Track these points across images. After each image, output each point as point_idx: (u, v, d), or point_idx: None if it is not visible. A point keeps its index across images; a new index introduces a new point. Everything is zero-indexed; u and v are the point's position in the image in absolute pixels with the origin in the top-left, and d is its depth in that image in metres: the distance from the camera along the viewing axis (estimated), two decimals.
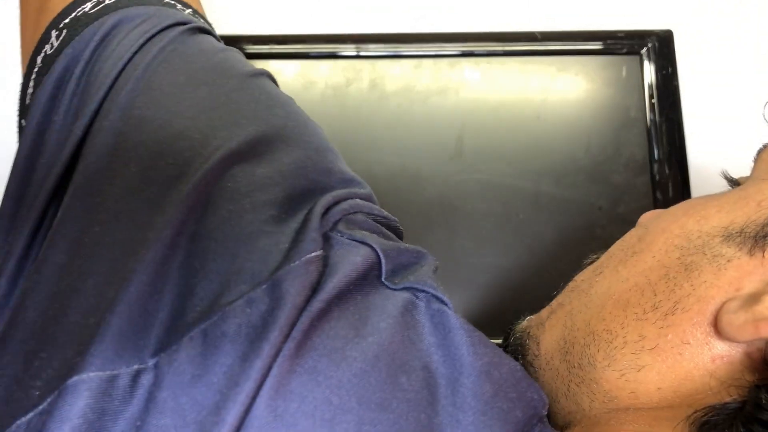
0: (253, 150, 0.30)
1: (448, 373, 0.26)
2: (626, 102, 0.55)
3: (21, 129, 0.37)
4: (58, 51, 0.33)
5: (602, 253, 0.38)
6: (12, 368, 0.25)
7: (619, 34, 0.56)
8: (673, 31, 0.56)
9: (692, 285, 0.30)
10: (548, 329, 0.36)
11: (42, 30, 0.35)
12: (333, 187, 0.31)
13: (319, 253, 0.26)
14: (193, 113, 0.30)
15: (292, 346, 0.24)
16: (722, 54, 0.61)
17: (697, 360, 0.29)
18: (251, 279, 0.25)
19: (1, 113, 0.62)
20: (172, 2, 0.37)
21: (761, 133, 0.59)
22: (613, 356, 0.31)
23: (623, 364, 0.31)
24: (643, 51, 0.56)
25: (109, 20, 0.33)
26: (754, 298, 0.28)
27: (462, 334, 0.27)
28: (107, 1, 0.35)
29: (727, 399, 0.28)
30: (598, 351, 0.32)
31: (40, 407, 0.23)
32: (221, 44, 0.36)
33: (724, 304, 0.29)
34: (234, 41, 0.57)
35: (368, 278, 0.27)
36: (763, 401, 0.26)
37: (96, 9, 0.34)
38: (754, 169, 0.35)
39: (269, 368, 0.24)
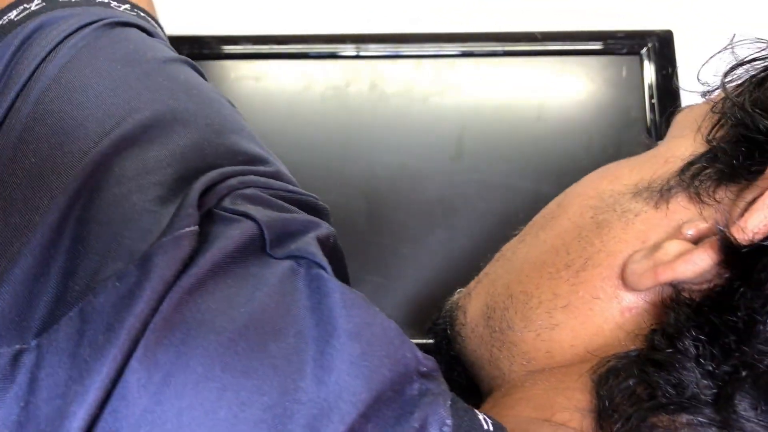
0: (146, 133, 0.30)
1: (319, 336, 0.26)
2: (626, 102, 0.55)
3: None
4: None
5: None
6: None
7: (619, 34, 0.56)
8: (673, 31, 0.56)
9: (602, 241, 0.31)
10: (474, 298, 0.38)
11: None
12: (228, 166, 0.31)
13: (193, 228, 0.27)
14: (94, 104, 0.31)
15: (159, 319, 0.24)
16: (722, 54, 0.61)
17: (607, 314, 0.30)
18: (128, 256, 0.26)
19: None
20: (106, 0, 0.37)
21: None
22: (529, 317, 0.32)
23: (538, 324, 0.32)
24: (643, 51, 0.56)
25: (31, 24, 0.34)
26: (655, 247, 0.29)
27: (337, 298, 0.27)
28: (32, 8, 0.35)
29: (632, 347, 0.28)
30: (516, 313, 0.33)
31: None
32: (142, 35, 0.37)
33: (630, 256, 0.30)
34: (233, 41, 0.57)
35: (249, 250, 0.28)
36: (656, 342, 0.27)
37: (21, 15, 0.35)
38: (668, 131, 0.36)
39: (136, 341, 0.24)
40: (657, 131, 0.53)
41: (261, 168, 0.34)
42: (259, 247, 0.28)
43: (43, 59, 0.32)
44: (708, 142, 0.31)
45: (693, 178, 0.30)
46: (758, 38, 0.35)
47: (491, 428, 0.27)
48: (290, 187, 0.34)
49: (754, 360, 0.25)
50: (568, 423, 0.28)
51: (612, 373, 0.28)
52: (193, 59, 0.56)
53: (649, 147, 0.38)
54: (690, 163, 0.31)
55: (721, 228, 0.27)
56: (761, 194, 0.27)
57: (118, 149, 0.29)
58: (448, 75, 0.56)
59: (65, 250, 0.27)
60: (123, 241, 0.26)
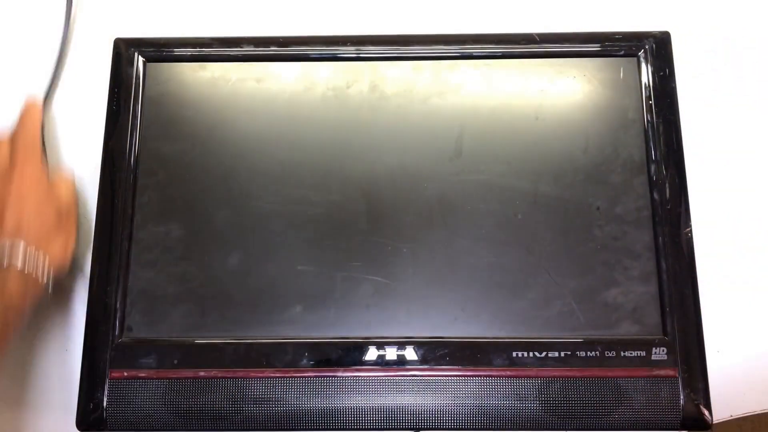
0: None
1: None
2: (624, 103, 0.55)
3: None
4: None
5: None
6: None
7: (617, 36, 0.57)
8: (670, 32, 0.57)
9: None
10: None
11: None
12: None
13: None
14: None
15: None
16: (719, 55, 0.62)
17: None
18: None
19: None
20: None
21: (758, 133, 0.60)
22: None
23: None
24: (641, 53, 0.56)
25: None
26: None
27: None
28: None
29: None
30: None
31: None
32: None
33: None
34: (235, 43, 0.57)
35: None
36: None
37: None
38: None
39: None
40: (654, 133, 0.54)
41: None
42: None
43: None
44: None
45: None
46: None
47: None
48: None
49: None
50: None
51: None
52: (194, 61, 0.57)
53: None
54: None
55: None
56: None
57: None
58: (448, 76, 0.56)
59: None
60: None
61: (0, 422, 0.56)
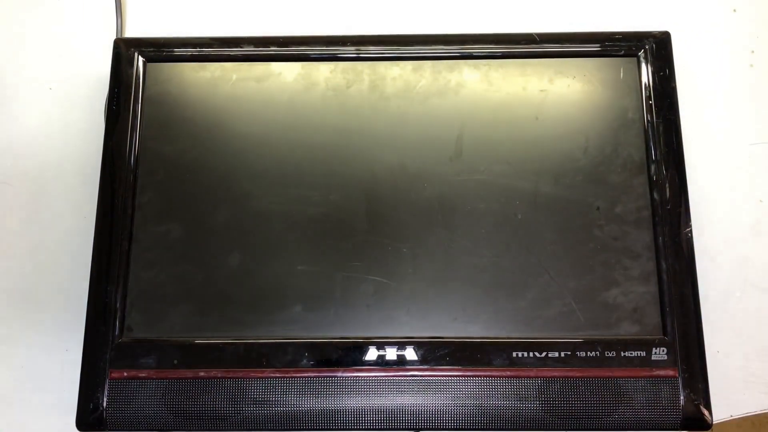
0: None
1: None
2: (624, 103, 0.55)
3: None
4: None
5: None
6: None
7: (617, 36, 0.57)
8: (670, 32, 0.57)
9: None
10: None
11: None
12: None
13: None
14: None
15: None
16: (719, 55, 0.62)
17: None
18: None
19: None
20: None
21: (756, 133, 0.60)
22: None
23: None
24: (641, 53, 0.56)
25: None
26: None
27: None
28: None
29: None
30: None
31: None
32: None
33: None
34: (235, 43, 0.57)
35: None
36: None
37: None
38: None
39: None
40: (654, 133, 0.54)
41: None
42: None
43: None
44: None
45: None
46: None
47: None
48: None
49: None
50: None
51: None
52: (194, 61, 0.57)
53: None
54: None
55: None
56: None
57: None
58: (448, 76, 0.56)
59: None
60: None
61: (0, 422, 0.56)
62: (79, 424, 0.50)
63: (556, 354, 0.50)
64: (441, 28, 0.62)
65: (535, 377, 0.49)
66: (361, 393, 0.50)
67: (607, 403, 0.49)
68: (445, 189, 0.54)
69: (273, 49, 0.57)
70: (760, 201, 0.58)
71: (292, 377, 0.50)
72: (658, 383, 0.49)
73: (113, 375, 0.50)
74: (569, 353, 0.50)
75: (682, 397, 0.49)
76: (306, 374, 0.50)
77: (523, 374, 0.49)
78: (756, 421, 0.56)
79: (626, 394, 0.49)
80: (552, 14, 0.64)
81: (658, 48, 0.56)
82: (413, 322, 0.51)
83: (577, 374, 0.49)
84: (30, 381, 0.57)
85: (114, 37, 0.63)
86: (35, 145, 0.61)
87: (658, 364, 0.50)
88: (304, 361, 0.50)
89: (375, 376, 0.50)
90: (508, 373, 0.49)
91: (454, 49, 0.57)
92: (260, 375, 0.50)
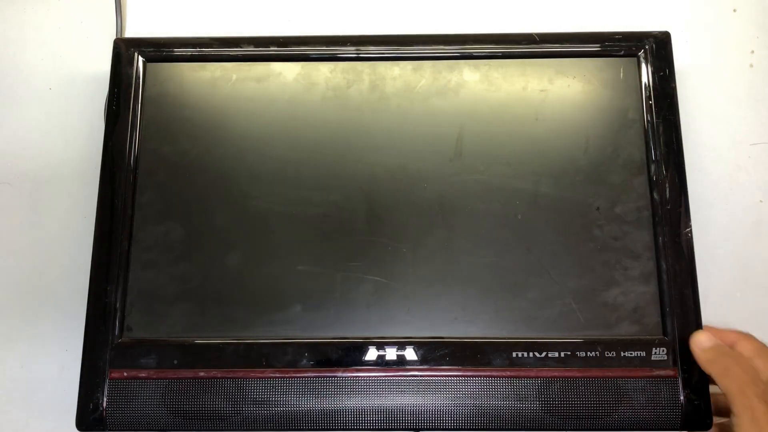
0: None
1: None
2: (624, 103, 0.55)
3: None
4: None
5: None
6: None
7: (617, 36, 0.57)
8: (670, 32, 0.57)
9: None
10: None
11: None
12: None
13: None
14: None
15: None
16: (719, 55, 0.62)
17: None
18: None
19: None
20: None
21: (756, 133, 0.59)
22: None
23: None
24: (641, 53, 0.56)
25: None
26: None
27: None
28: None
29: None
30: None
31: None
32: None
33: None
34: (235, 43, 0.57)
35: None
36: None
37: None
38: None
39: None
40: (654, 133, 0.54)
41: None
42: None
43: None
44: None
45: None
46: None
47: None
48: None
49: None
50: None
51: None
52: (194, 61, 0.57)
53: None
54: None
55: None
56: None
57: None
58: (448, 76, 0.56)
59: None
60: None
61: (1, 422, 0.56)
62: (79, 425, 0.50)
63: (556, 354, 0.50)
64: (441, 29, 0.62)
65: (535, 377, 0.49)
66: (361, 393, 0.50)
67: (607, 404, 0.49)
68: (445, 189, 0.54)
69: (273, 49, 0.57)
70: (761, 201, 0.58)
71: (291, 377, 0.50)
72: (657, 383, 0.49)
73: (113, 375, 0.50)
74: (569, 353, 0.50)
75: (682, 397, 0.49)
76: (306, 374, 0.50)
77: (523, 374, 0.50)
78: None
79: (626, 395, 0.49)
80: (552, 14, 0.64)
81: (658, 48, 0.56)
82: (413, 322, 0.51)
83: (577, 374, 0.49)
84: (29, 381, 0.57)
85: (114, 37, 0.63)
86: (35, 145, 0.61)
87: (658, 364, 0.50)
88: (304, 361, 0.50)
89: (375, 376, 0.50)
90: (508, 373, 0.50)
91: (454, 49, 0.57)
92: (260, 375, 0.50)
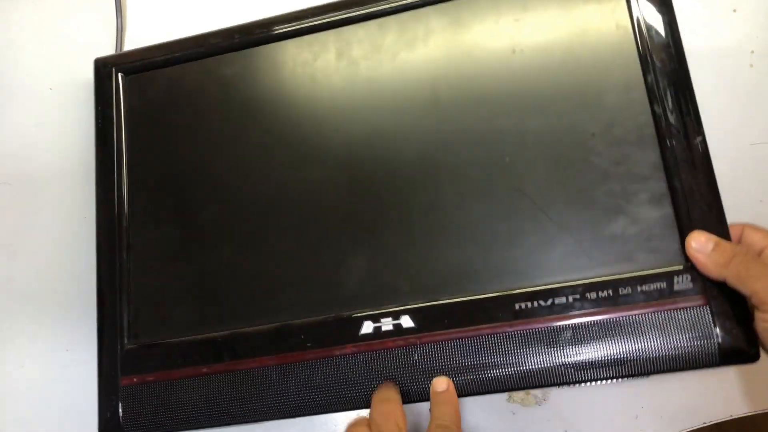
0: None
1: None
2: (608, 12, 0.49)
3: None
4: None
5: None
6: None
7: None
8: None
9: None
10: None
11: None
12: None
13: None
14: None
15: None
16: (719, 55, 0.56)
17: None
18: None
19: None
20: None
21: (756, 133, 0.53)
22: None
23: None
24: None
25: None
26: None
27: None
28: None
29: None
30: None
31: None
32: None
33: None
34: (202, 40, 0.57)
35: None
36: None
37: None
38: None
39: None
40: (647, 37, 0.48)
41: None
42: None
43: None
44: None
45: None
46: None
47: None
48: None
49: None
50: None
51: None
52: (168, 66, 0.57)
53: None
54: None
55: None
56: None
57: None
58: (414, 27, 0.53)
59: None
60: None
61: (1, 422, 0.58)
62: None
63: (564, 300, 0.45)
64: None
65: (542, 327, 0.45)
66: (361, 371, 0.47)
67: (629, 346, 0.44)
68: (426, 145, 0.51)
69: (238, 38, 0.56)
70: (761, 201, 0.52)
71: (291, 363, 0.48)
72: (685, 315, 0.43)
73: (124, 382, 0.51)
74: (578, 297, 0.45)
75: (716, 327, 0.43)
76: (304, 358, 0.48)
77: (528, 326, 0.45)
78: (756, 421, 0.52)
79: (649, 333, 0.43)
80: None
81: None
82: (408, 289, 0.48)
83: (589, 318, 0.45)
84: (29, 381, 0.58)
85: (114, 36, 0.64)
86: (35, 145, 0.63)
87: (683, 294, 0.44)
88: (301, 344, 0.48)
89: (372, 350, 0.47)
90: (512, 327, 0.45)
91: None
92: (260, 365, 0.49)
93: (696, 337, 0.43)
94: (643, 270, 0.45)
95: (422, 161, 0.50)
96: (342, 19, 0.54)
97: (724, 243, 0.43)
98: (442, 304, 0.47)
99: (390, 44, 0.53)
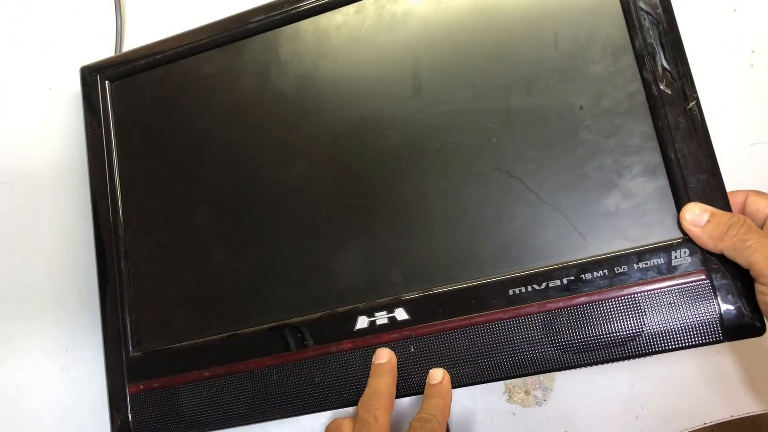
0: None
1: None
2: None
3: None
4: None
5: None
6: None
7: None
8: None
9: None
10: None
11: None
12: None
13: None
14: None
15: None
16: (719, 55, 0.55)
17: None
18: None
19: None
20: None
21: (756, 133, 0.51)
22: None
23: None
24: None
25: None
26: None
27: None
28: None
29: None
30: None
31: None
32: None
33: None
34: (182, 39, 0.56)
35: None
36: None
37: None
38: None
39: None
40: (634, 8, 0.45)
41: None
42: None
43: None
44: None
45: None
46: None
47: None
48: None
49: None
50: None
51: None
52: (151, 68, 0.57)
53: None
54: None
55: None
56: None
57: None
58: (392, 8, 0.51)
59: None
60: None
61: (1, 422, 0.59)
62: None
63: (558, 282, 0.44)
64: None
65: (537, 312, 0.44)
66: (358, 366, 0.47)
67: (628, 327, 0.42)
68: (409, 130, 0.49)
69: (218, 34, 0.55)
70: None
71: (292, 361, 0.48)
72: (685, 291, 0.42)
73: (131, 390, 0.51)
74: (572, 278, 0.44)
75: (718, 301, 0.41)
76: (302, 356, 0.48)
77: (522, 311, 0.44)
78: (757, 421, 0.51)
79: (649, 312, 0.42)
80: None
81: None
82: (400, 279, 0.47)
83: (585, 300, 0.43)
84: (29, 381, 0.58)
85: (114, 36, 0.64)
86: (35, 145, 0.63)
87: (682, 269, 0.42)
88: (298, 342, 0.48)
89: (369, 346, 0.47)
90: (506, 313, 0.44)
91: None
92: (260, 366, 0.49)
93: (698, 314, 0.41)
94: (639, 246, 0.43)
95: (407, 148, 0.49)
96: (319, 6, 0.53)
97: (720, 214, 0.41)
98: (435, 293, 0.46)
99: (369, 28, 0.52)
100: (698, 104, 0.43)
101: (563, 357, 0.43)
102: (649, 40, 0.45)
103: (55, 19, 0.67)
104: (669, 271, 0.42)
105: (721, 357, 0.50)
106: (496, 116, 0.47)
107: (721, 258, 0.41)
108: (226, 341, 0.50)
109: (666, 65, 0.44)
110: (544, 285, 0.44)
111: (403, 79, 0.50)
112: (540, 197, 0.46)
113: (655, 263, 0.42)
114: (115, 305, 0.53)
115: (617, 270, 0.43)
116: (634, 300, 0.42)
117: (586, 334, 0.43)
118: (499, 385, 0.52)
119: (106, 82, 0.58)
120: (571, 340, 0.43)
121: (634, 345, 0.42)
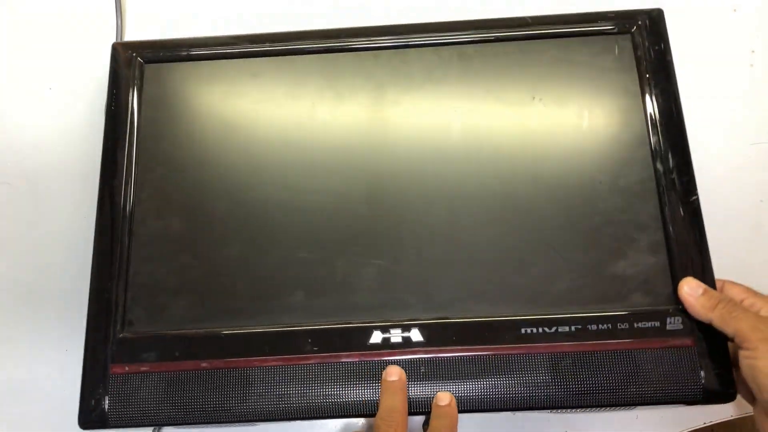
0: None
1: None
2: (620, 78, 0.55)
3: None
4: None
5: None
6: None
7: (610, 15, 0.57)
8: (663, 9, 0.57)
9: None
10: None
11: None
12: None
13: None
14: None
15: None
16: (719, 55, 0.61)
17: None
18: None
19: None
20: None
21: (756, 133, 0.59)
22: None
23: None
24: (634, 29, 0.56)
25: None
26: None
27: None
28: None
29: None
30: None
31: None
32: None
33: None
34: (230, 41, 0.58)
35: None
36: None
37: None
38: None
39: None
40: (653, 104, 0.53)
41: None
42: None
43: None
44: None
45: None
46: None
47: None
48: None
49: None
50: None
51: None
52: (190, 60, 0.58)
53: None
54: None
55: None
56: None
57: None
58: (440, 65, 0.56)
59: None
60: None
61: (1, 422, 0.55)
62: (81, 423, 0.49)
63: (567, 328, 0.48)
64: (436, 16, 0.63)
65: (545, 352, 0.48)
66: (366, 378, 0.48)
67: (623, 377, 0.47)
68: (444, 171, 0.53)
69: (267, 45, 0.58)
70: (761, 201, 0.56)
71: (295, 365, 0.48)
72: (674, 354, 0.48)
73: (114, 370, 0.49)
74: (580, 327, 0.48)
75: (701, 368, 0.47)
76: (309, 361, 0.49)
77: (532, 350, 0.48)
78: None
79: (642, 367, 0.47)
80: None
81: (651, 24, 0.56)
82: (417, 304, 0.50)
83: (589, 348, 0.48)
84: (29, 381, 0.56)
85: (114, 36, 0.64)
86: (35, 145, 0.62)
87: (674, 334, 0.48)
88: (308, 347, 0.49)
89: (380, 360, 0.48)
90: (517, 349, 0.48)
91: (448, 37, 0.57)
92: (263, 364, 0.49)
93: (683, 376, 0.47)
94: (639, 307, 0.49)
95: (440, 186, 0.53)
96: (370, 45, 0.57)
97: (711, 290, 0.48)
98: (451, 322, 0.49)
99: (419, 76, 0.56)
100: (697, 200, 0.51)
101: (564, 397, 0.47)
102: (663, 141, 0.52)
103: (55, 19, 0.67)
104: (663, 334, 0.48)
105: None
106: (524, 177, 0.53)
107: (706, 330, 0.48)
108: (231, 336, 0.49)
109: (674, 164, 0.52)
110: (554, 329, 0.48)
111: (444, 128, 0.55)
112: (557, 252, 0.51)
113: (652, 325, 0.48)
114: (109, 282, 0.51)
115: (619, 326, 0.48)
116: (631, 355, 0.48)
117: (586, 378, 0.47)
118: None
119: (140, 61, 0.58)
120: (572, 382, 0.47)
121: (625, 394, 0.47)
